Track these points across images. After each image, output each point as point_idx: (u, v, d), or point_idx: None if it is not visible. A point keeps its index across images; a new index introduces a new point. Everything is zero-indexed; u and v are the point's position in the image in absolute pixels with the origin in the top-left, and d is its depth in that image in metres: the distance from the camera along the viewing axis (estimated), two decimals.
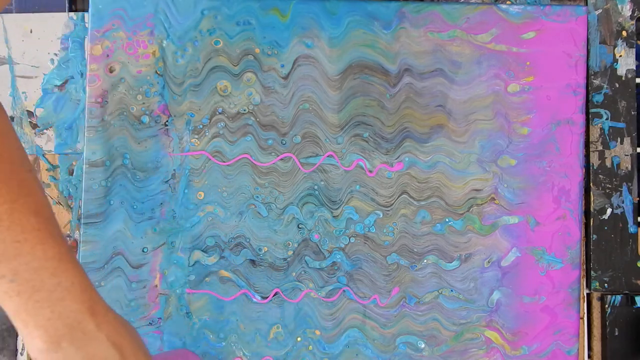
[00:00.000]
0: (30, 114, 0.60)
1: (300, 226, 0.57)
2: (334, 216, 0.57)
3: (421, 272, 0.57)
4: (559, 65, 0.58)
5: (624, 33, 0.60)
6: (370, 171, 0.57)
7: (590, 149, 0.60)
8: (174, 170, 0.57)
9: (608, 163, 0.60)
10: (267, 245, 0.57)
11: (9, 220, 0.36)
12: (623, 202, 0.60)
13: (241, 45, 0.57)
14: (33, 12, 0.61)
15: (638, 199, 0.60)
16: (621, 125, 0.60)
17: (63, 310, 0.37)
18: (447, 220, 0.57)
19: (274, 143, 0.57)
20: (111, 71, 0.57)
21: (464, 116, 0.58)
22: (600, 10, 0.60)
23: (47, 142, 0.60)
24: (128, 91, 0.57)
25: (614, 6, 0.60)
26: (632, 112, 0.60)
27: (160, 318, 0.56)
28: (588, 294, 0.60)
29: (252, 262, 0.57)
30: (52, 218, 0.38)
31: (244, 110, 0.57)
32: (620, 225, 0.60)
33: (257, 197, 0.57)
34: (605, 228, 0.60)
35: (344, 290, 0.57)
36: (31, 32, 0.60)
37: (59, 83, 0.60)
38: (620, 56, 0.60)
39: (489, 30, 0.58)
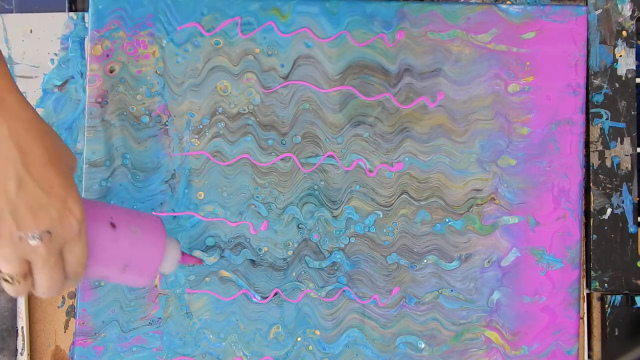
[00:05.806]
0: None
1: (300, 226, 0.57)
2: (333, 216, 0.57)
3: (421, 272, 0.57)
4: (559, 65, 0.58)
5: (624, 33, 0.60)
6: (370, 171, 0.57)
7: (590, 149, 0.60)
8: (174, 170, 0.57)
9: (608, 163, 0.60)
10: (267, 245, 0.57)
11: None
12: (623, 202, 0.60)
13: (241, 45, 0.57)
14: (33, 12, 0.61)
15: (638, 199, 0.60)
16: (621, 125, 0.60)
17: None
18: (447, 220, 0.57)
19: (274, 143, 0.57)
20: (111, 71, 0.57)
21: (464, 116, 0.58)
22: (600, 10, 0.60)
23: None
24: (128, 91, 0.57)
25: (614, 6, 0.60)
26: (632, 112, 0.60)
27: (160, 318, 0.56)
28: (588, 294, 0.60)
29: (252, 262, 0.57)
30: None
31: (244, 110, 0.57)
32: (620, 225, 0.60)
33: (257, 197, 0.57)
34: (605, 228, 0.60)
35: (343, 290, 0.57)
36: (31, 32, 0.60)
37: (59, 83, 0.60)
38: (620, 56, 0.60)
39: (489, 30, 0.58)
